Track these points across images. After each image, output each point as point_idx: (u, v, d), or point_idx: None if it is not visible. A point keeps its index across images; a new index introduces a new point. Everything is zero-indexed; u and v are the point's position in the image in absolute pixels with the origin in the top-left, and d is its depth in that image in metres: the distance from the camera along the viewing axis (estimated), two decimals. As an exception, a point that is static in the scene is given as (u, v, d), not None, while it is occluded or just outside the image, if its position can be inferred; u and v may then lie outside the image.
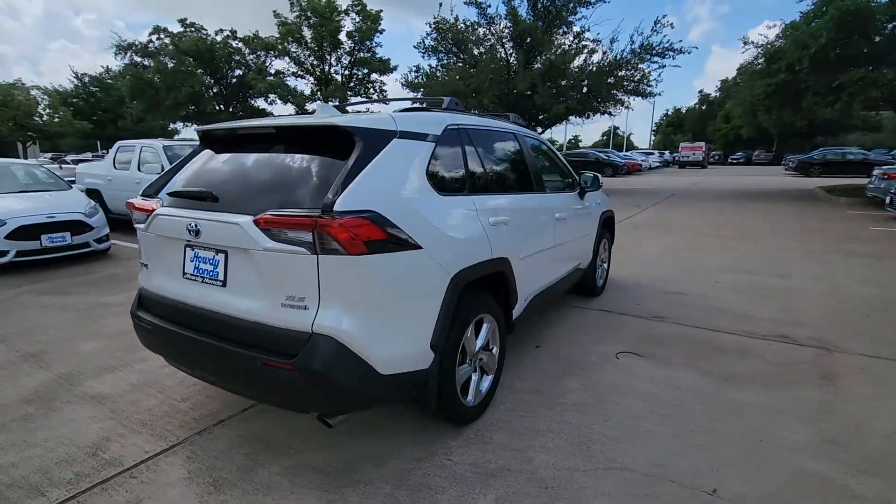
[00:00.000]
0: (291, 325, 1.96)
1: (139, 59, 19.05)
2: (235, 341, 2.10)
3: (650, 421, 2.69)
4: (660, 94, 18.97)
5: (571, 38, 18.36)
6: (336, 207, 1.89)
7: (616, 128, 65.69)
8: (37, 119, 24.13)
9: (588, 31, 18.47)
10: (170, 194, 2.43)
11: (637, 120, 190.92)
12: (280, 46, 21.41)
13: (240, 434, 2.60)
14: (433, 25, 17.86)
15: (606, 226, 5.03)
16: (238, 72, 20.79)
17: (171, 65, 18.49)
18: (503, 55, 18.08)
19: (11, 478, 2.26)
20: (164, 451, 2.44)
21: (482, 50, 17.74)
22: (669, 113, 72.91)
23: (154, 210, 2.38)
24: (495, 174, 3.03)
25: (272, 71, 21.65)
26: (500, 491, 2.14)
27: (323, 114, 2.53)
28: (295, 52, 22.21)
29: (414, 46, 18.53)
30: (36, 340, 3.89)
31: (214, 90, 20.72)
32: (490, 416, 2.76)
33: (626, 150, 50.15)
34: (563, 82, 17.64)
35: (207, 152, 2.61)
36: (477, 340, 2.65)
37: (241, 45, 21.21)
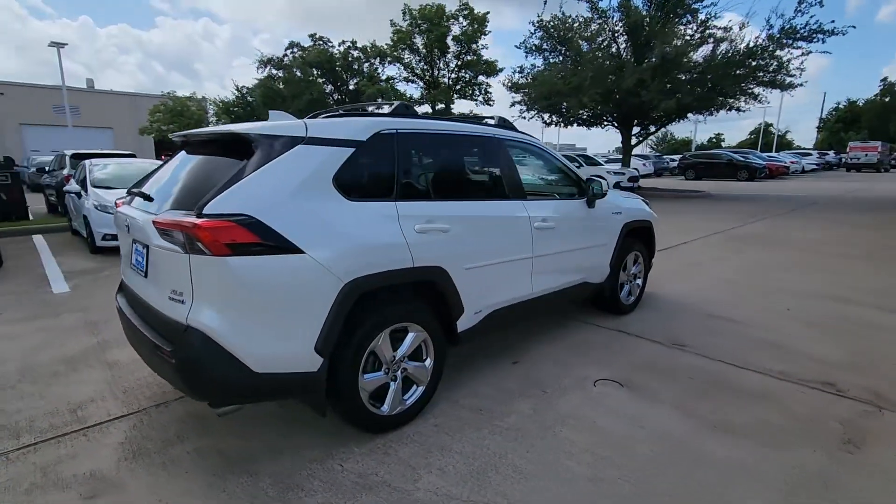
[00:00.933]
0: (174, 316, 2.13)
1: (274, 72, 21.72)
2: (150, 327, 2.35)
3: (578, 460, 2.39)
4: (801, 85, 16.14)
5: (695, 28, 16.60)
6: (206, 210, 2.01)
7: (769, 125, 57.51)
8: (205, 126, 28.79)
9: (716, 17, 16.41)
10: (127, 192, 2.78)
11: (800, 115, 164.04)
12: (393, 53, 22.72)
13: (188, 410, 2.87)
14: (537, 24, 17.43)
15: (638, 238, 4.52)
16: (356, 79, 22.54)
17: (298, 75, 20.79)
18: (615, 51, 16.99)
19: (8, 420, 2.78)
20: (120, 417, 2.81)
21: (591, 46, 16.85)
22: (841, 106, 61.74)
23: (118, 206, 2.75)
24: (440, 180, 2.93)
25: (384, 77, 23.07)
26: (364, 505, 2.09)
27: (275, 121, 2.68)
28: (407, 59, 23.36)
29: (516, 46, 18.30)
30: (104, 311, 4.68)
31: (335, 97, 22.74)
32: (413, 427, 2.68)
33: (777, 151, 43.79)
34: (681, 76, 16.03)
35: (181, 154, 2.92)
36: (399, 350, 2.59)
37: (360, 54, 22.94)
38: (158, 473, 2.31)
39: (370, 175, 2.57)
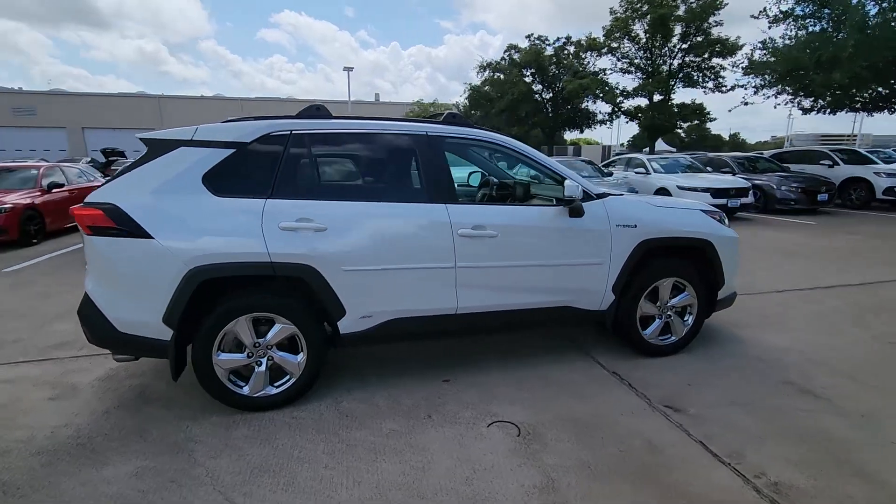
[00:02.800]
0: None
1: (490, 75, 22.91)
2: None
3: (357, 491, 2.16)
4: None
5: None
6: (85, 200, 2.59)
7: None
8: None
9: None
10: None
11: None
12: (608, 43, 21.06)
13: (156, 369, 3.53)
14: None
15: (681, 259, 3.45)
16: (564, 76, 21.84)
17: (503, 76, 21.43)
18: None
19: (10, 338, 3.99)
20: (106, 355, 3.60)
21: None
22: None
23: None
24: (330, 180, 2.90)
25: (594, 70, 21.55)
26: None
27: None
28: (626, 48, 21.34)
29: (754, 16, 14.89)
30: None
31: (547, 95, 22.54)
32: (273, 414, 2.79)
33: None
34: None
35: None
36: (266, 338, 2.76)
37: (574, 48, 22.08)
38: (72, 421, 2.98)
39: (247, 173, 2.77)
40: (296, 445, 2.51)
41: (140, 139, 2.76)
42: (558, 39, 21.88)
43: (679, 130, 29.32)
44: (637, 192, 7.86)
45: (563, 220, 3.16)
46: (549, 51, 21.26)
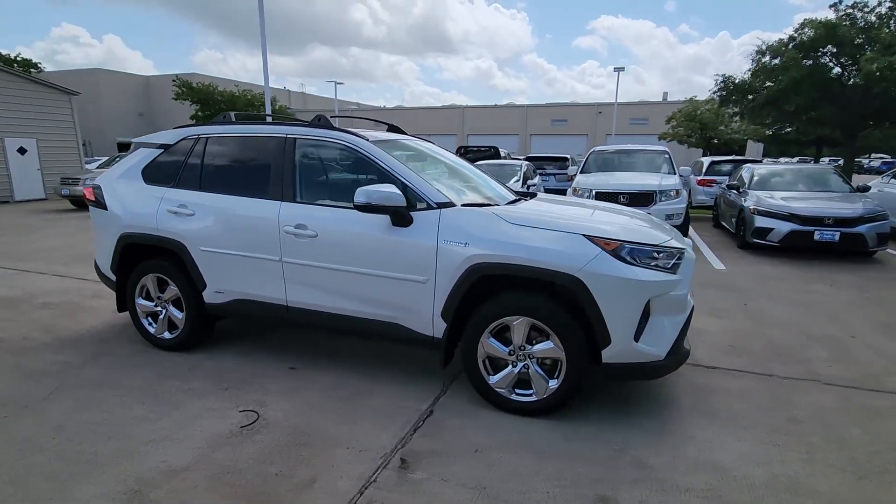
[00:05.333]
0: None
1: (765, 61, 17.77)
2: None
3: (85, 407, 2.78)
4: None
5: None
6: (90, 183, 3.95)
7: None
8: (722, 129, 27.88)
9: None
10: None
11: None
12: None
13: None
14: None
15: (545, 298, 2.65)
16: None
17: (783, 60, 16.10)
18: None
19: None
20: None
21: None
22: None
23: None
24: (209, 175, 3.43)
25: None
26: None
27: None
28: None
29: None
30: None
31: (844, 75, 16.00)
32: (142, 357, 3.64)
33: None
34: None
35: None
36: (163, 294, 3.64)
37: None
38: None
39: (165, 168, 3.64)
40: (123, 375, 3.28)
41: (119, 143, 3.99)
42: (880, 4, 15.18)
43: None
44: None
45: (384, 229, 2.89)
46: (870, 19, 15.11)
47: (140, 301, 3.74)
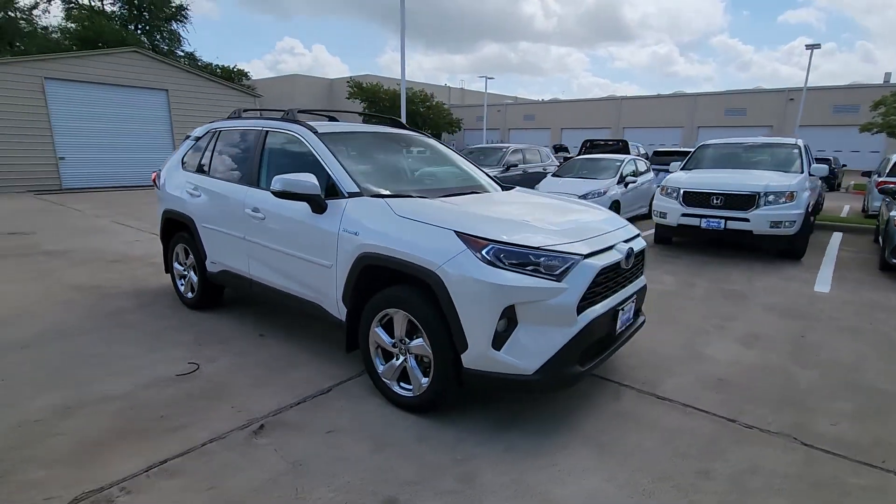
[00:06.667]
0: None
1: None
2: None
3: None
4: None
5: None
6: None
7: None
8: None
9: None
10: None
11: None
12: None
13: None
14: None
15: (420, 294, 2.58)
16: None
17: None
18: None
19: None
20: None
21: None
22: None
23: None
24: (214, 162, 4.00)
25: None
26: None
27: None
28: None
29: None
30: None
31: None
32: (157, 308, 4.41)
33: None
34: None
35: None
36: (187, 261, 4.41)
37: None
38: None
39: (193, 157, 4.36)
40: (151, 321, 4.08)
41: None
42: None
43: None
44: None
45: (305, 215, 3.10)
46: None
47: (175, 265, 4.58)
